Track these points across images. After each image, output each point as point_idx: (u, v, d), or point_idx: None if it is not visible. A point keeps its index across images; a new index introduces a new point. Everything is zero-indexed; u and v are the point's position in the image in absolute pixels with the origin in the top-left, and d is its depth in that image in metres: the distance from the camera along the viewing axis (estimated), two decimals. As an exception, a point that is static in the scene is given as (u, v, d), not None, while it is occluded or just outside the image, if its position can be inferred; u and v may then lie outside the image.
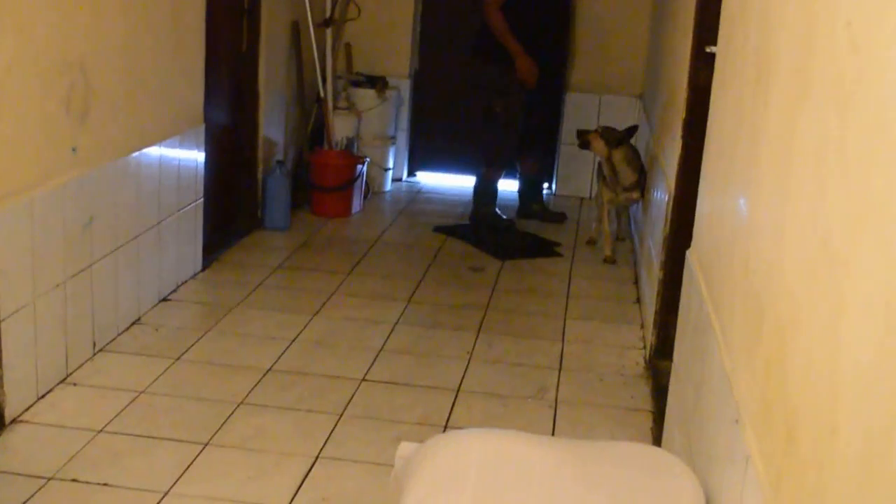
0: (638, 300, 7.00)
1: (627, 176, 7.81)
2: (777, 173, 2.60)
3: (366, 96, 9.65)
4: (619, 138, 7.88)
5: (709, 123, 4.18)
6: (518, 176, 9.44)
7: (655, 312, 5.75)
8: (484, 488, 2.92)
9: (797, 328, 2.22)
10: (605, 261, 7.98)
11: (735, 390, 2.83)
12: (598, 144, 7.95)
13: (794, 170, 2.39)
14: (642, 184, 7.72)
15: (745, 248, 2.94)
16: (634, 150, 7.94)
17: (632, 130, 8.03)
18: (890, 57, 1.75)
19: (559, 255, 8.17)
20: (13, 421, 4.75)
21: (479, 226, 8.80)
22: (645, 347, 6.09)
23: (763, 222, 2.73)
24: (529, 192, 9.39)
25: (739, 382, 2.80)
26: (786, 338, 2.31)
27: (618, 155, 7.83)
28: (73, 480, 4.30)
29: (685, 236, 4.53)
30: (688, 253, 4.25)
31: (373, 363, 5.71)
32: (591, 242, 8.47)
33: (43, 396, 5.00)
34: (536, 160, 9.40)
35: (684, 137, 5.37)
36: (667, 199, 5.72)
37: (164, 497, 4.21)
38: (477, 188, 9.01)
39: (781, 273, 2.42)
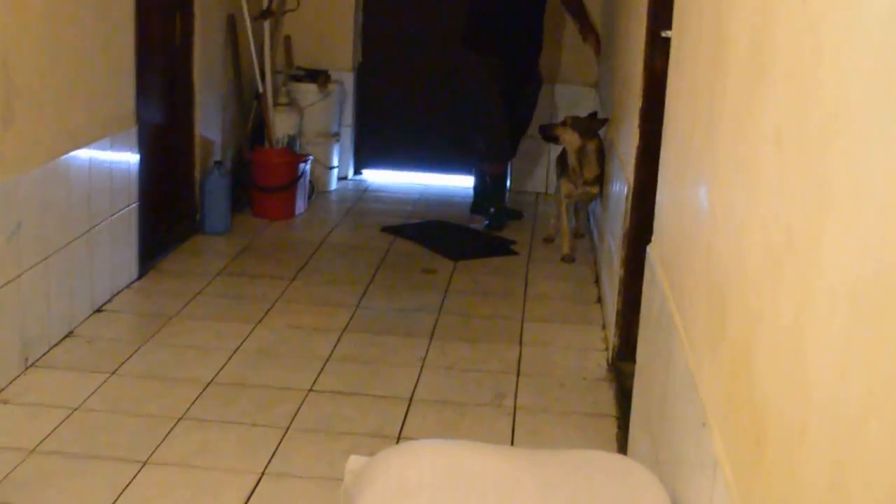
0: (599, 300, 7.00)
1: (592, 169, 7.79)
2: (737, 160, 2.59)
3: (307, 91, 9.62)
4: (593, 129, 7.86)
5: (666, 111, 4.18)
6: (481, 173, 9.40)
7: (617, 312, 5.75)
8: (438, 502, 2.90)
9: (762, 322, 2.21)
10: (564, 259, 7.96)
11: (701, 391, 2.82)
12: (571, 136, 7.87)
13: (755, 156, 2.38)
14: (602, 179, 7.71)
15: (707, 240, 2.93)
16: (602, 143, 7.91)
17: (602, 121, 7.92)
18: (850, 34, 1.74)
19: (515, 253, 8.17)
20: (-61, 443, 4.71)
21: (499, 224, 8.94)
22: (607, 349, 6.09)
23: (724, 212, 2.72)
24: (492, 190, 9.28)
25: (705, 382, 2.79)
26: (750, 332, 2.30)
27: (591, 146, 7.80)
28: (4, 504, 4.27)
29: (646, 231, 4.52)
30: (648, 248, 4.25)
31: (320, 373, 5.68)
32: (549, 240, 8.46)
33: (-30, 416, 4.96)
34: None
35: (641, 126, 5.38)
36: (626, 191, 5.72)
37: (100, 520, 4.18)
38: (492, 190, 9.13)
39: (744, 264, 2.41)
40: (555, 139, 8.06)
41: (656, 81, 5.03)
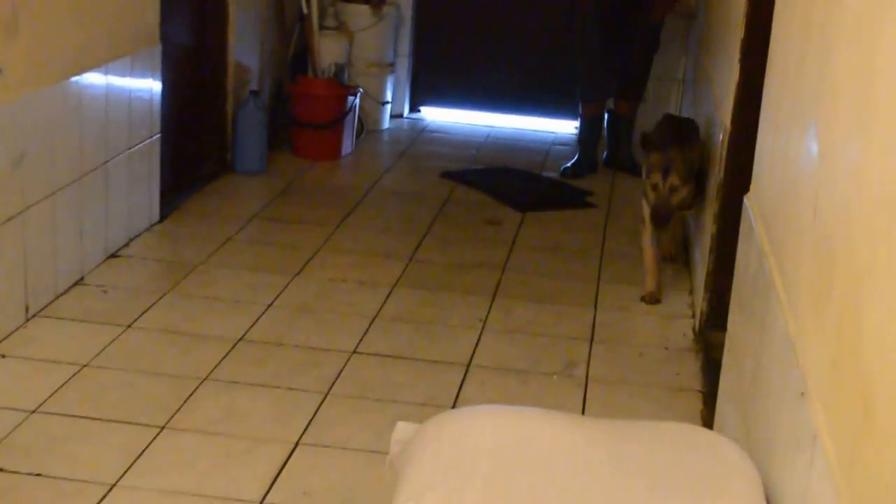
0: (687, 261, 7.00)
1: (682, 193, 6.46)
2: (854, 99, 2.59)
3: (358, 13, 9.63)
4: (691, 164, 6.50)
5: (772, 43, 4.18)
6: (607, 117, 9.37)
7: (707, 274, 5.76)
8: (496, 476, 2.93)
9: (875, 277, 2.22)
10: (645, 300, 6.48)
11: (801, 358, 2.83)
12: (685, 192, 6.47)
13: (877, 89, 2.38)
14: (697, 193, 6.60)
15: (815, 189, 2.94)
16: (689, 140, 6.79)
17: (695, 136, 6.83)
18: None
19: (592, 206, 8.18)
20: (-71, 398, 4.80)
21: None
22: (694, 316, 6.12)
23: (837, 155, 2.73)
24: (615, 136, 9.30)
25: (806, 348, 2.81)
26: (862, 290, 2.31)
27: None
28: (0, 470, 4.33)
29: (743, 182, 4.53)
30: (745, 198, 4.26)
31: (365, 333, 5.75)
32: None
33: (-35, 370, 5.05)
34: (631, 100, 9.31)
35: (742, 61, 5.37)
36: (721, 136, 5.72)
37: (110, 490, 4.25)
38: (580, 132, 9.21)
39: (858, 214, 2.42)
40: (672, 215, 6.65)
41: (761, 9, 5.02)
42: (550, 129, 10.26)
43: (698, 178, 6.50)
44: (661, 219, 6.46)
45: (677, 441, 3.19)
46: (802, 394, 2.71)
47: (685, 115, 8.31)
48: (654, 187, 6.38)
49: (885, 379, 2.07)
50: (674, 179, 6.30)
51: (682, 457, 3.06)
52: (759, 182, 4.10)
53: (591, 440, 3.09)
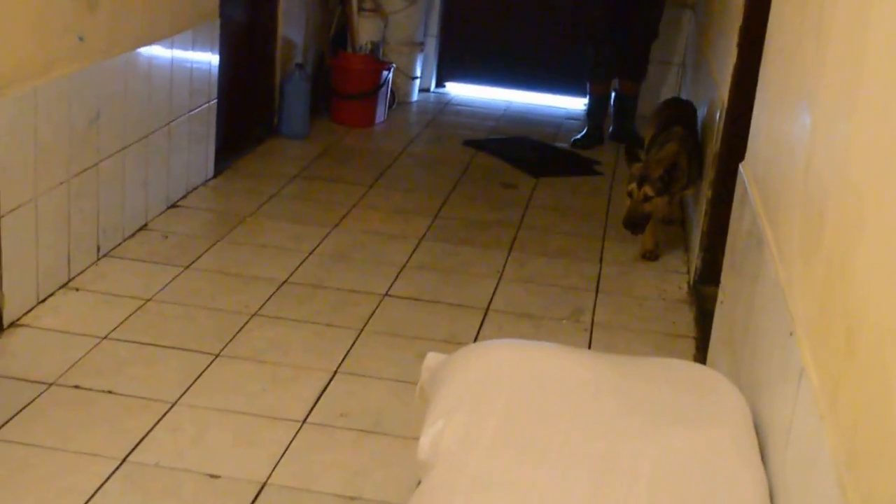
0: (683, 223, 7.01)
1: (680, 179, 6.42)
2: (845, 72, 2.61)
3: (393, -3, 9.65)
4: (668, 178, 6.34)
5: (769, 27, 4.19)
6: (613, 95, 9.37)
7: (702, 234, 5.77)
8: (516, 401, 2.95)
9: (863, 229, 2.25)
10: (645, 257, 6.48)
11: (790, 302, 2.86)
12: (659, 203, 6.37)
13: (865, 67, 2.41)
14: (696, 175, 6.52)
15: (807, 154, 2.96)
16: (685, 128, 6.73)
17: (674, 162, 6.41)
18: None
19: (599, 174, 8.19)
20: (12, 324, 4.83)
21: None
22: (689, 272, 6.13)
23: (828, 119, 2.75)
24: (620, 112, 9.29)
25: (795, 293, 2.84)
26: (849, 238, 2.34)
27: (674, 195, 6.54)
28: (76, 387, 4.39)
29: (737, 154, 4.54)
30: (741, 166, 4.28)
31: (396, 278, 5.78)
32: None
33: (44, 300, 5.08)
34: (633, 80, 9.29)
35: (740, 45, 5.37)
36: (718, 114, 5.73)
37: (171, 407, 4.30)
38: (588, 107, 9.22)
39: (847, 171, 2.45)
40: (646, 221, 6.38)
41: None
42: (562, 105, 10.24)
43: (696, 155, 6.48)
44: (632, 224, 6.31)
45: (674, 374, 3.21)
46: (791, 333, 2.74)
47: (685, 96, 8.31)
48: (630, 194, 6.33)
49: (868, 316, 2.11)
50: (647, 190, 6.22)
51: (678, 387, 3.08)
52: (754, 151, 4.11)
53: (598, 371, 3.12)
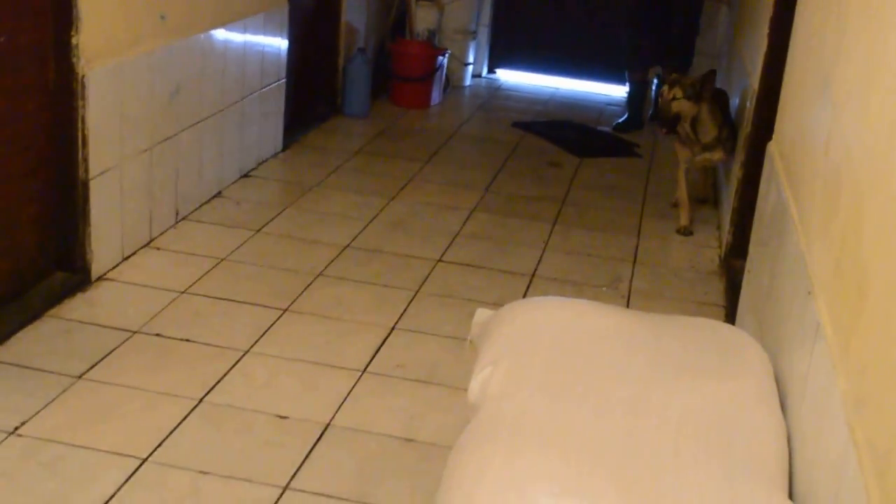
0: (716, 202, 7.10)
1: (708, 131, 6.54)
2: (862, 60, 2.73)
3: (449, -12, 9.76)
4: (705, 89, 6.53)
5: (796, 14, 4.30)
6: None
7: (733, 211, 5.86)
8: (556, 350, 3.07)
9: (874, 190, 2.36)
10: (680, 231, 6.59)
11: (809, 264, 2.98)
12: (686, 106, 6.48)
13: (880, 56, 2.52)
14: (726, 140, 6.59)
15: (827, 129, 3.07)
16: (717, 99, 6.78)
17: (711, 76, 6.64)
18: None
19: (638, 156, 8.27)
20: (100, 278, 5.00)
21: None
22: (720, 247, 6.22)
23: (845, 107, 2.87)
24: (629, 94, 9.33)
25: (814, 257, 2.95)
26: (862, 203, 2.45)
27: (703, 109, 6.53)
28: (157, 335, 4.55)
29: (767, 137, 4.64)
30: (769, 145, 4.38)
31: (449, 246, 5.91)
32: (675, 205, 6.93)
33: (127, 258, 5.24)
34: (677, 70, 9.21)
35: (770, 35, 5.46)
36: (750, 98, 5.82)
37: (244, 355, 4.45)
38: (629, 94, 9.26)
39: (861, 149, 2.56)
40: (675, 122, 6.54)
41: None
42: (604, 92, 10.33)
43: (728, 123, 6.63)
44: (660, 119, 6.65)
45: (703, 332, 3.32)
46: (809, 293, 2.86)
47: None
48: (661, 95, 6.62)
49: (878, 273, 2.23)
50: (676, 92, 6.46)
51: (706, 344, 3.19)
52: (781, 131, 4.22)
53: (633, 326, 3.23)
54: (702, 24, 9.27)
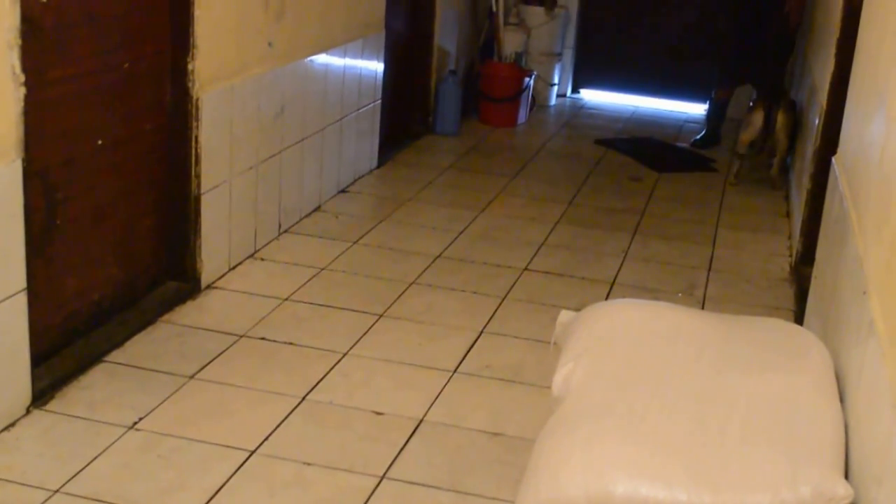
0: (787, 214, 7.16)
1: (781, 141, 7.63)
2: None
3: (535, 13, 9.87)
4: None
5: (859, 37, 4.40)
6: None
7: (802, 221, 5.94)
8: (634, 347, 3.20)
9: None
10: (729, 182, 7.85)
11: (865, 266, 3.09)
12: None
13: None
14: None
15: (882, 143, 3.18)
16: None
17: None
18: None
19: (715, 170, 8.34)
20: (208, 287, 5.19)
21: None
22: (791, 255, 6.29)
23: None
24: (708, 111, 9.39)
25: (869, 259, 3.07)
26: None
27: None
28: (262, 339, 4.73)
29: (832, 151, 4.72)
30: (833, 159, 4.48)
31: (534, 255, 6.03)
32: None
33: (234, 268, 5.44)
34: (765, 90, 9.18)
35: (837, 56, 5.55)
36: (818, 113, 5.91)
37: (343, 357, 4.62)
38: (708, 111, 9.32)
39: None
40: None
41: (853, 15, 5.17)
42: (683, 110, 10.40)
43: (793, 137, 7.23)
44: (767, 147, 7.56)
45: (770, 331, 3.43)
46: (864, 292, 2.97)
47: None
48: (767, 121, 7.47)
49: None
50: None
51: (773, 341, 3.30)
52: (844, 145, 4.31)
53: (704, 325, 3.35)
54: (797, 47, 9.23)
